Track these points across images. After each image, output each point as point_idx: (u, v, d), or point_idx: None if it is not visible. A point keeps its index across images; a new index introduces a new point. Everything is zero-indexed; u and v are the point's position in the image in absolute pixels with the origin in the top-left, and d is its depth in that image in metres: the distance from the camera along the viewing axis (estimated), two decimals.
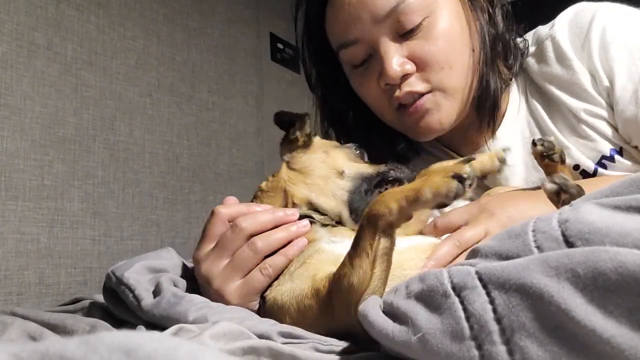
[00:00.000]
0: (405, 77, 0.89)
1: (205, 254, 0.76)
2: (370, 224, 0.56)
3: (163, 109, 2.19)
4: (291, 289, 0.67)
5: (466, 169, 0.52)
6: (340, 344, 0.55)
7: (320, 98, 1.12)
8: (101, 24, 1.97)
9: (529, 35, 1.02)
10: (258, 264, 0.73)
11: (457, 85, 0.91)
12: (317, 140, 0.89)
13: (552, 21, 0.97)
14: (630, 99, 0.86)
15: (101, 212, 1.87)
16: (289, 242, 0.74)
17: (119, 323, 0.76)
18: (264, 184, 0.87)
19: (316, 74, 1.10)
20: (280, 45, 3.01)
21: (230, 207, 0.79)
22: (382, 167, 0.83)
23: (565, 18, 0.95)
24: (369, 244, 0.56)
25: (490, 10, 0.96)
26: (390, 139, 1.08)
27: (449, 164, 0.54)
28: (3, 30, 1.64)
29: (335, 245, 0.72)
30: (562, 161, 0.82)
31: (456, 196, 0.51)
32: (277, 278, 0.73)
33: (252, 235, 0.74)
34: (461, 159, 0.61)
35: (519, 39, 1.01)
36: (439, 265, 0.68)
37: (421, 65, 0.88)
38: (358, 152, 0.88)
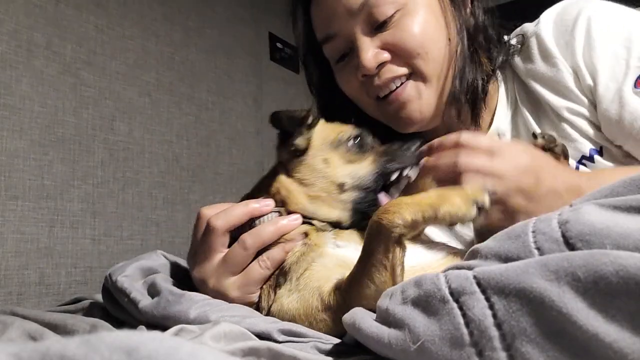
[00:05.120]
0: (381, 66, 0.91)
1: (199, 262, 0.76)
2: (381, 235, 0.55)
3: (162, 108, 2.19)
4: (300, 302, 0.66)
5: (486, 200, 0.52)
6: (340, 343, 0.55)
7: (318, 99, 1.14)
8: (100, 23, 1.96)
9: (516, 33, 1.01)
10: (251, 261, 0.73)
11: (434, 72, 0.91)
12: (316, 139, 0.82)
13: (538, 18, 0.96)
14: (613, 97, 0.84)
15: (101, 212, 1.87)
16: (281, 236, 0.74)
17: (119, 323, 0.76)
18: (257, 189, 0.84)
19: (316, 75, 1.12)
20: (279, 45, 3.01)
21: (213, 207, 0.77)
22: (381, 161, 0.79)
23: (551, 14, 0.94)
24: (384, 257, 0.55)
25: (470, 3, 0.97)
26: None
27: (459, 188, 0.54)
28: (2, 30, 1.64)
29: (341, 249, 0.71)
30: (565, 156, 0.84)
31: (471, 222, 0.52)
32: (278, 285, 0.72)
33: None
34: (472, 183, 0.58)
35: (511, 37, 1.00)
36: None
37: (396, 52, 0.90)
38: (357, 141, 0.81)
